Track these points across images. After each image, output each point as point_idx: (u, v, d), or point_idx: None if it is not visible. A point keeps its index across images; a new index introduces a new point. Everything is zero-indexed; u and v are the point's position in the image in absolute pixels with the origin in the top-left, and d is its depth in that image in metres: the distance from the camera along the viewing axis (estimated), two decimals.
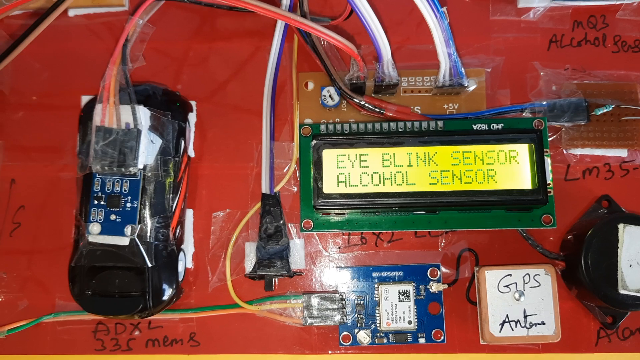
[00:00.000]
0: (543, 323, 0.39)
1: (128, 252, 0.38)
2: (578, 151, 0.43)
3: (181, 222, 0.41)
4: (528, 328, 0.39)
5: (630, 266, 0.38)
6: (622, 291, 0.38)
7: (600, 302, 0.39)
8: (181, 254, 0.41)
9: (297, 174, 0.42)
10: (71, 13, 0.45)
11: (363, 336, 0.41)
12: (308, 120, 0.43)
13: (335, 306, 0.41)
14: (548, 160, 0.39)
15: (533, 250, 0.41)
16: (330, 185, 0.38)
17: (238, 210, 0.43)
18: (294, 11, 0.42)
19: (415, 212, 0.40)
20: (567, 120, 0.42)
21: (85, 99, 0.42)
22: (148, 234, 0.38)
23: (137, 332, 0.42)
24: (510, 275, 0.40)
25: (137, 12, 0.41)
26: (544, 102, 0.42)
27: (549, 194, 0.38)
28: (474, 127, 0.40)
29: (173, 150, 0.40)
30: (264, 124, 0.42)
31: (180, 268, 0.41)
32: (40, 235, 0.43)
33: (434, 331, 0.41)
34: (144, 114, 0.39)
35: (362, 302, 0.41)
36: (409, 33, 0.44)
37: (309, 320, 0.41)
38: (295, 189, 0.43)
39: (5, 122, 0.44)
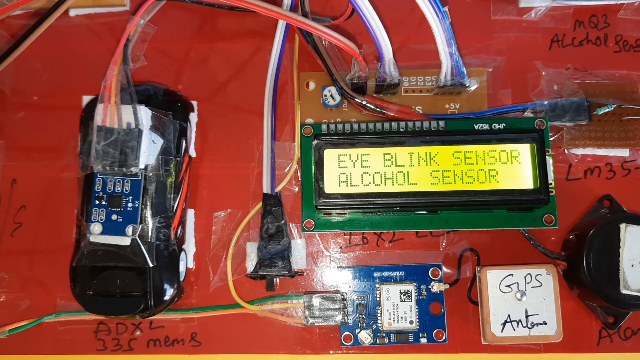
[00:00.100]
0: (545, 323, 0.39)
1: (129, 252, 0.38)
2: (580, 151, 0.43)
3: (182, 222, 0.41)
4: (530, 328, 0.39)
5: (632, 266, 0.38)
6: (623, 291, 0.38)
7: (602, 302, 0.39)
8: (182, 253, 0.41)
9: (299, 174, 0.42)
10: (72, 13, 0.45)
11: (364, 336, 0.41)
12: (309, 120, 0.43)
13: (336, 306, 0.41)
14: (550, 160, 0.39)
15: (535, 250, 0.41)
16: (331, 185, 0.38)
17: (239, 210, 0.43)
18: (295, 11, 0.42)
19: (416, 212, 0.40)
20: (568, 120, 0.42)
21: (86, 98, 0.42)
22: (149, 234, 0.38)
23: (138, 332, 0.42)
24: (512, 275, 0.40)
25: (139, 12, 0.41)
26: (546, 102, 0.42)
27: (550, 194, 0.38)
28: (476, 126, 0.40)
29: (174, 150, 0.40)
30: (265, 123, 0.42)
31: (182, 268, 0.41)
32: (41, 235, 0.43)
33: (435, 331, 0.41)
34: (145, 114, 0.39)
35: (363, 302, 0.41)
36: (411, 33, 0.44)
37: (311, 320, 0.41)
38: (297, 189, 0.43)
39: (7, 122, 0.44)
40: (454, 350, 0.41)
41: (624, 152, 0.43)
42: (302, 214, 0.40)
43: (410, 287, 0.41)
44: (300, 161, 0.40)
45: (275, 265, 0.41)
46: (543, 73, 0.44)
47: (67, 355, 0.42)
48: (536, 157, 0.38)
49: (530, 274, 0.39)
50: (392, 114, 0.41)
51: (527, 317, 0.39)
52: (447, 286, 0.41)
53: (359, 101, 0.42)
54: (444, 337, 0.41)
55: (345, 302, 0.41)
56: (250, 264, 0.41)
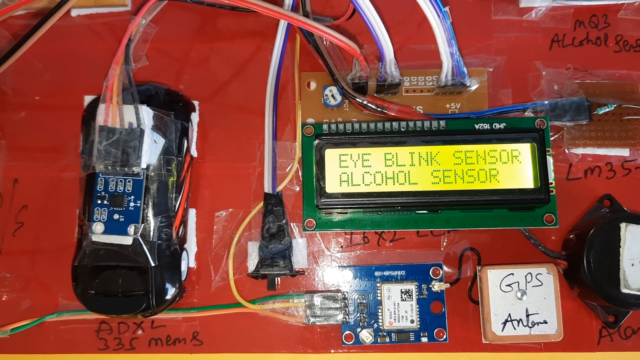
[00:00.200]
0: (545, 322, 0.39)
1: (131, 251, 0.38)
2: (580, 150, 0.43)
3: (184, 222, 0.41)
4: (530, 327, 0.39)
5: (632, 265, 0.38)
6: (624, 290, 0.38)
7: (602, 301, 0.39)
8: (184, 253, 0.41)
9: (300, 174, 0.42)
10: (74, 13, 0.45)
11: (365, 335, 0.41)
12: (310, 120, 0.43)
13: (337, 305, 0.41)
14: (550, 160, 0.39)
15: (535, 250, 0.41)
16: (332, 184, 0.39)
17: (240, 210, 0.43)
18: (297, 11, 0.42)
19: (417, 212, 0.40)
20: (569, 119, 0.42)
21: (87, 98, 0.42)
22: (151, 234, 0.39)
23: (140, 332, 0.42)
24: (513, 274, 0.40)
25: (140, 12, 0.41)
26: (546, 102, 0.42)
27: (551, 193, 0.39)
28: (476, 126, 0.40)
29: (176, 150, 0.40)
30: (266, 123, 0.43)
31: (183, 267, 0.41)
32: (43, 234, 0.43)
33: (436, 330, 0.41)
34: (147, 114, 0.39)
35: (364, 301, 0.41)
36: (411, 33, 0.45)
37: (312, 320, 0.41)
38: (298, 189, 0.43)
39: (8, 122, 0.44)
40: (455, 350, 0.41)
41: (624, 152, 0.43)
42: (304, 213, 0.40)
43: (411, 287, 0.41)
44: (302, 161, 0.40)
45: (277, 264, 0.41)
46: (543, 73, 0.44)
47: (69, 355, 0.42)
48: (537, 156, 0.38)
49: (531, 274, 0.40)
50: (393, 114, 0.42)
51: (527, 316, 0.39)
52: (448, 285, 0.41)
53: (360, 101, 0.42)
54: (444, 336, 0.41)
55: (346, 302, 0.41)
56: (252, 263, 0.41)
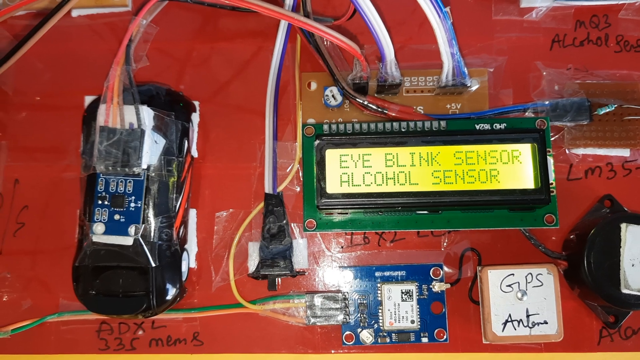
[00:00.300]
0: (545, 322, 0.39)
1: (132, 251, 0.38)
2: (580, 151, 0.43)
3: (184, 222, 0.41)
4: (530, 327, 0.39)
5: (633, 265, 0.38)
6: (624, 290, 0.38)
7: (602, 302, 0.39)
8: (184, 253, 0.41)
9: (300, 174, 0.42)
10: (74, 13, 0.45)
11: (366, 335, 0.41)
12: (311, 120, 0.43)
13: (338, 306, 0.41)
14: (550, 160, 0.39)
15: (535, 250, 0.41)
16: (333, 185, 0.39)
17: (241, 210, 0.43)
18: (297, 11, 0.42)
19: (418, 212, 0.40)
20: (569, 120, 0.42)
21: (88, 99, 0.42)
22: (152, 234, 0.39)
23: (140, 332, 0.42)
24: (513, 274, 0.40)
25: (141, 13, 0.41)
26: (547, 102, 0.42)
27: (551, 194, 0.39)
28: (477, 126, 0.40)
29: (176, 150, 0.40)
30: (266, 124, 0.43)
31: (184, 268, 0.41)
32: (43, 235, 0.43)
33: (436, 330, 0.41)
34: (147, 114, 0.39)
35: (365, 301, 0.41)
36: (412, 33, 0.45)
37: (312, 320, 0.41)
38: (298, 189, 0.43)
39: (9, 122, 0.44)
40: (455, 350, 0.41)
41: (625, 152, 0.43)
42: (304, 213, 0.40)
43: (412, 287, 0.41)
44: (302, 161, 0.40)
45: (277, 265, 0.41)
46: (544, 73, 0.44)
47: (70, 355, 0.42)
48: (537, 157, 0.38)
49: (531, 274, 0.40)
50: (393, 114, 0.42)
51: (528, 316, 0.39)
52: (448, 286, 0.41)
53: (361, 101, 0.42)
54: (445, 337, 0.41)
55: (346, 302, 0.41)
56: (252, 263, 0.42)
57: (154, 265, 0.38)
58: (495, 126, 0.40)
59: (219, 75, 0.45)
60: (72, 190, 0.43)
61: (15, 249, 0.43)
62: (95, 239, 0.38)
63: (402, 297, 0.41)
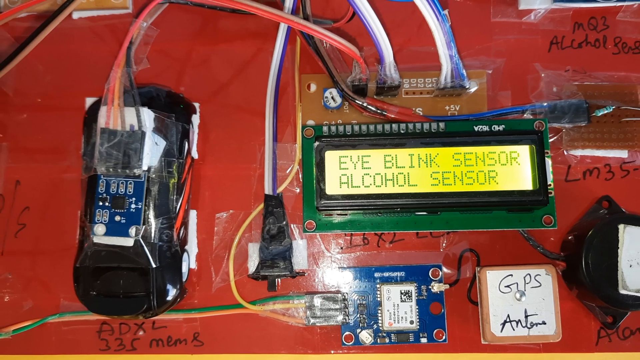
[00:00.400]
0: (544, 323, 0.39)
1: (132, 252, 0.38)
2: (579, 152, 0.43)
3: (185, 223, 0.42)
4: (529, 328, 0.39)
5: (631, 266, 0.38)
6: (622, 291, 0.38)
7: (600, 302, 0.39)
8: (185, 254, 0.41)
9: (300, 175, 0.43)
10: (75, 15, 0.45)
11: (365, 336, 0.41)
12: (310, 122, 0.44)
13: (337, 306, 0.41)
14: (549, 161, 0.39)
15: (534, 251, 0.41)
16: (332, 186, 0.39)
17: (241, 211, 0.43)
18: (297, 14, 0.42)
19: (417, 213, 0.40)
20: (567, 121, 0.42)
21: (89, 101, 0.43)
22: (152, 235, 0.39)
23: (141, 332, 0.42)
24: (511, 275, 0.40)
25: (141, 15, 0.41)
26: (545, 104, 0.42)
27: (549, 195, 0.39)
28: (475, 128, 0.40)
29: (177, 152, 0.40)
30: (266, 125, 0.43)
31: (184, 269, 0.41)
32: (44, 236, 0.43)
33: (435, 331, 0.41)
34: (148, 116, 0.39)
35: (364, 302, 0.42)
36: (411, 35, 0.45)
37: (312, 320, 0.41)
38: (298, 190, 0.43)
39: (10, 123, 0.44)
40: (454, 350, 0.41)
41: (623, 153, 0.43)
42: (304, 215, 0.40)
43: (411, 288, 0.41)
44: (302, 162, 0.40)
45: (277, 265, 0.41)
46: (542, 75, 0.44)
47: (71, 355, 0.42)
48: (535, 158, 0.39)
49: (530, 275, 0.40)
50: (392, 116, 0.42)
51: (526, 317, 0.39)
52: (447, 286, 0.42)
53: (360, 103, 0.42)
54: (444, 337, 0.41)
55: (346, 303, 0.41)
56: (252, 264, 0.42)
57: (154, 266, 0.38)
58: (494, 128, 0.40)
59: (219, 77, 0.45)
60: (72, 192, 0.43)
61: (16, 250, 0.43)
62: (96, 240, 0.39)
63: (401, 298, 0.41)
